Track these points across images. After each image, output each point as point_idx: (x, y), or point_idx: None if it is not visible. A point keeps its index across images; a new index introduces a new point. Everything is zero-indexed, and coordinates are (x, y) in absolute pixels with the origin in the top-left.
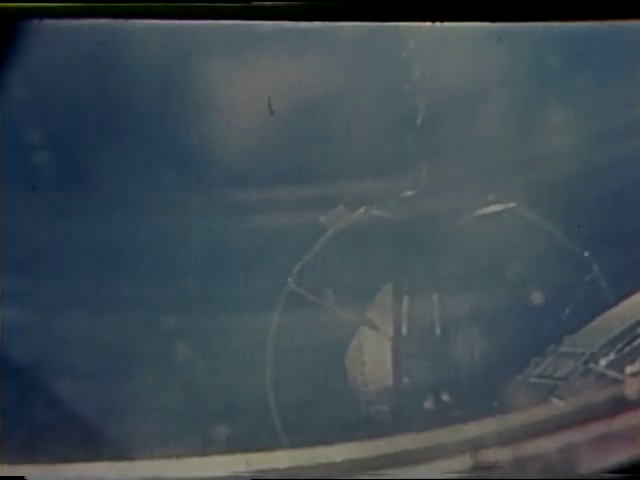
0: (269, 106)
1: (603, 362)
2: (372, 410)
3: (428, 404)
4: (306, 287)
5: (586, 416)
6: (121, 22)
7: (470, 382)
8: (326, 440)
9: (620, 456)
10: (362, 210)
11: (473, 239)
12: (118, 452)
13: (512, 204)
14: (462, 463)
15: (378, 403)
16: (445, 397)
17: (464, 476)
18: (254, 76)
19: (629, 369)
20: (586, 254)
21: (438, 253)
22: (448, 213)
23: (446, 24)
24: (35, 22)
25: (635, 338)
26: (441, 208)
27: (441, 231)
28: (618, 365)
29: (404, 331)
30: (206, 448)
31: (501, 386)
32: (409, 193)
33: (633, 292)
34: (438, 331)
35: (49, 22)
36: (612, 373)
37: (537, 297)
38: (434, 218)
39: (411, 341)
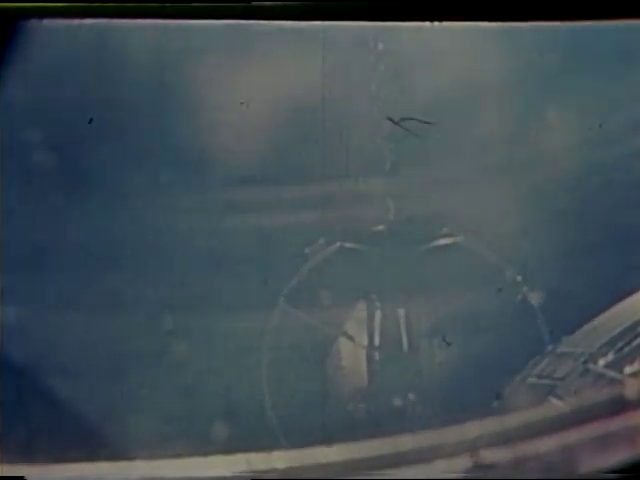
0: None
1: (602, 362)
2: (350, 408)
3: (397, 402)
4: (294, 305)
5: (585, 416)
6: (120, 22)
7: (467, 385)
8: (325, 440)
9: (619, 456)
10: (338, 244)
11: (430, 265)
12: (117, 452)
13: (460, 237)
14: (462, 463)
15: (355, 402)
16: (412, 397)
17: (464, 476)
18: (254, 76)
19: (628, 369)
20: (518, 278)
21: (403, 276)
22: (410, 244)
23: (446, 24)
24: (35, 22)
25: (634, 338)
26: (404, 240)
27: (405, 258)
28: (617, 365)
29: (376, 341)
30: (206, 448)
31: (500, 387)
32: (380, 228)
33: (632, 292)
34: (405, 340)
35: (49, 22)
36: (611, 373)
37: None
38: (399, 248)
39: (382, 349)
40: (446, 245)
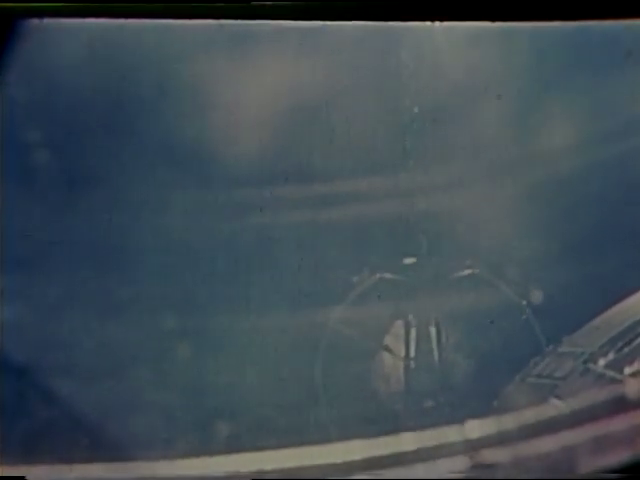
0: None
1: (602, 362)
2: (389, 407)
3: (429, 404)
4: (343, 325)
5: (585, 416)
6: (121, 22)
7: (469, 385)
8: (327, 439)
9: (619, 456)
10: (378, 275)
11: (455, 291)
12: (118, 452)
13: (478, 269)
14: (462, 463)
15: (394, 403)
16: (444, 399)
17: (464, 476)
18: (254, 76)
19: (628, 369)
20: (523, 302)
21: (434, 301)
22: (438, 274)
23: (446, 24)
24: (35, 22)
25: (634, 338)
26: (433, 271)
27: (434, 286)
28: (617, 365)
29: (412, 353)
30: (206, 448)
31: (500, 387)
32: (412, 260)
33: (633, 292)
34: (435, 353)
35: (49, 22)
36: (611, 373)
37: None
38: (428, 277)
39: (416, 360)
40: (468, 275)
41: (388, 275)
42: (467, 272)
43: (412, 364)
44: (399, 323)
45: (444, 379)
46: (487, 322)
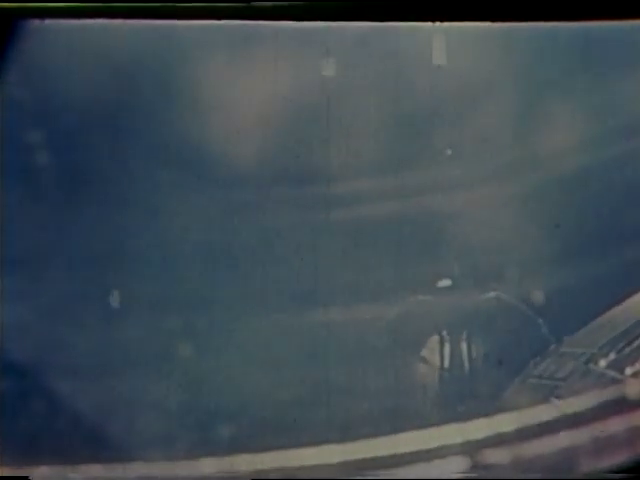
0: None
1: (603, 362)
2: (423, 412)
3: (460, 409)
4: (385, 341)
5: (586, 417)
6: (121, 22)
7: (475, 386)
8: (327, 439)
9: (620, 456)
10: (414, 296)
11: (482, 311)
12: (119, 452)
13: (500, 292)
14: (462, 463)
15: (427, 408)
16: (461, 400)
17: (464, 476)
18: (254, 76)
19: (629, 369)
20: (540, 320)
21: (464, 319)
22: (467, 296)
23: (446, 24)
24: (35, 22)
25: (635, 338)
26: (461, 292)
27: (463, 307)
28: (618, 365)
29: (446, 364)
30: (207, 448)
31: (502, 387)
32: (447, 283)
33: (633, 292)
34: (466, 364)
35: (49, 22)
36: (612, 373)
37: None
38: (458, 298)
39: (450, 371)
40: (492, 297)
41: (422, 297)
42: (492, 294)
43: (446, 375)
44: (434, 338)
45: (473, 388)
46: (505, 334)
